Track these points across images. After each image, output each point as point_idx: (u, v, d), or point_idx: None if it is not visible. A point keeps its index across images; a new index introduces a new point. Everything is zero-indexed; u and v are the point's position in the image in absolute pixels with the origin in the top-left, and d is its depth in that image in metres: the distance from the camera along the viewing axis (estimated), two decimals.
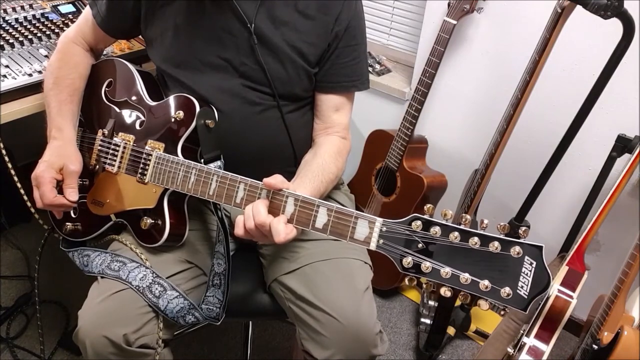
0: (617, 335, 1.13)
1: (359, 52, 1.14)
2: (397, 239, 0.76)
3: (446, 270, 0.72)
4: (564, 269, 1.30)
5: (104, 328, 0.98)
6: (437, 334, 1.70)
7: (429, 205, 0.77)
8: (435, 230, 0.73)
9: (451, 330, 1.81)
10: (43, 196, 1.04)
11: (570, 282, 1.27)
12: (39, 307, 1.55)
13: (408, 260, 0.75)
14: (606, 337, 1.17)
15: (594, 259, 1.70)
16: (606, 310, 1.18)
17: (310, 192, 0.99)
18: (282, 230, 0.85)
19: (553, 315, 1.24)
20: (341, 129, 1.18)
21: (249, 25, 1.05)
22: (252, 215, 0.87)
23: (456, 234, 0.72)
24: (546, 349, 1.22)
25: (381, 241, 0.78)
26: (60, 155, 1.08)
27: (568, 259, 1.31)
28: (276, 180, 0.87)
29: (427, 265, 0.73)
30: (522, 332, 1.29)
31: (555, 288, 1.26)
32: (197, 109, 1.03)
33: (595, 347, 1.19)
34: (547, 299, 1.25)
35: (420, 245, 0.75)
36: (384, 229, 0.78)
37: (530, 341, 1.23)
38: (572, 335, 1.81)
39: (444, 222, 0.74)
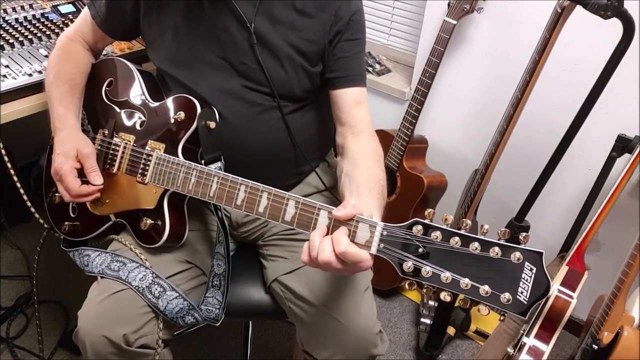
0: (617, 335, 1.13)
1: (362, 47, 1.13)
2: (398, 243, 0.76)
3: (446, 275, 0.72)
4: (564, 269, 1.30)
5: (104, 328, 0.98)
6: (437, 334, 1.70)
7: (429, 210, 0.76)
8: (436, 235, 0.73)
9: (451, 330, 1.81)
10: (69, 189, 1.03)
11: (570, 282, 1.27)
12: (38, 306, 1.56)
13: (408, 265, 0.75)
14: (606, 337, 1.17)
15: (594, 259, 1.70)
16: (606, 310, 1.18)
17: (377, 210, 0.90)
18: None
19: (553, 315, 1.24)
20: (366, 125, 1.11)
21: (248, 25, 1.05)
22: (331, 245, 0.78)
23: (457, 239, 0.72)
24: (546, 349, 1.22)
25: (382, 245, 0.78)
26: (71, 142, 1.07)
27: (568, 259, 1.31)
28: (346, 210, 0.79)
29: (427, 270, 0.73)
30: (522, 332, 1.29)
31: (555, 288, 1.26)
32: (198, 110, 1.03)
33: (595, 347, 1.19)
34: (547, 299, 1.25)
35: (420, 250, 0.74)
36: (385, 233, 0.77)
37: (530, 341, 1.23)
38: (572, 335, 1.81)
39: (444, 226, 0.74)
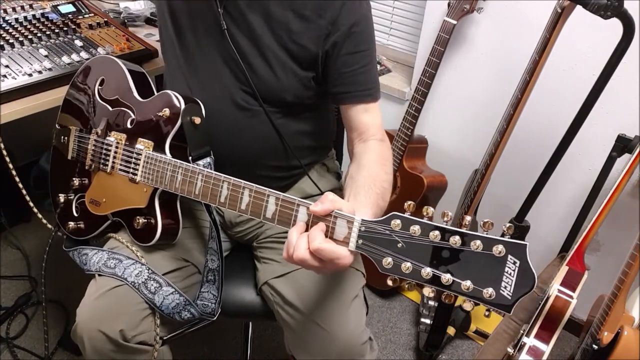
0: (617, 335, 1.13)
1: (369, 58, 1.05)
2: (377, 238, 0.74)
3: (427, 271, 0.69)
4: (564, 269, 1.30)
5: (101, 323, 0.99)
6: (437, 334, 1.70)
7: (409, 203, 0.73)
8: (415, 229, 0.70)
9: (451, 330, 1.81)
10: None
11: (570, 282, 1.27)
12: (46, 312, 1.56)
13: (388, 261, 0.72)
14: (606, 337, 1.17)
15: (594, 259, 1.70)
16: (606, 310, 1.18)
17: (371, 210, 0.88)
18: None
19: (553, 315, 1.24)
20: (376, 130, 1.07)
21: (219, 9, 1.02)
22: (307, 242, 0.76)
23: (436, 232, 0.69)
24: (546, 349, 1.22)
25: (360, 241, 0.75)
26: None
27: (568, 259, 1.31)
28: (324, 205, 0.76)
29: (407, 265, 0.71)
30: (522, 332, 1.29)
31: (555, 288, 1.26)
32: (182, 106, 1.01)
33: (595, 347, 1.19)
34: (547, 299, 1.25)
35: (399, 245, 0.71)
36: (363, 228, 0.75)
37: (530, 341, 1.23)
38: (572, 335, 1.81)
39: (423, 220, 0.70)
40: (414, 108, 1.65)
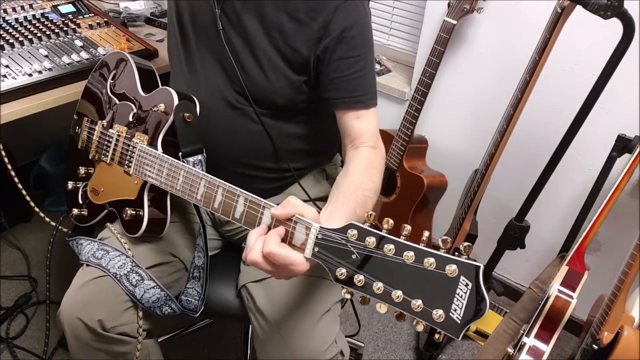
0: (617, 335, 1.13)
1: (363, 63, 1.02)
2: (333, 247, 0.72)
3: (378, 285, 0.67)
4: (564, 269, 1.30)
5: (80, 311, 1.00)
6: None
7: (369, 213, 0.72)
8: (370, 241, 0.68)
9: None
10: None
11: (570, 282, 1.27)
12: (49, 309, 1.56)
13: (341, 272, 0.70)
14: (606, 337, 1.17)
15: (594, 259, 1.70)
16: (606, 310, 1.18)
17: (346, 217, 0.87)
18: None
19: (553, 315, 1.24)
20: (368, 137, 1.05)
21: (216, 9, 1.02)
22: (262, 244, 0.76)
23: (391, 246, 0.66)
24: (546, 349, 1.22)
25: (316, 249, 0.73)
26: None
27: (568, 259, 1.31)
28: (284, 209, 0.76)
29: (359, 278, 0.68)
30: (522, 332, 1.29)
31: (555, 288, 1.26)
32: (176, 102, 1.02)
33: (595, 347, 1.19)
34: (547, 299, 1.25)
35: (354, 256, 0.69)
36: (320, 235, 0.73)
37: (530, 341, 1.23)
38: (572, 335, 1.81)
39: (380, 232, 0.68)
40: (414, 108, 1.65)
